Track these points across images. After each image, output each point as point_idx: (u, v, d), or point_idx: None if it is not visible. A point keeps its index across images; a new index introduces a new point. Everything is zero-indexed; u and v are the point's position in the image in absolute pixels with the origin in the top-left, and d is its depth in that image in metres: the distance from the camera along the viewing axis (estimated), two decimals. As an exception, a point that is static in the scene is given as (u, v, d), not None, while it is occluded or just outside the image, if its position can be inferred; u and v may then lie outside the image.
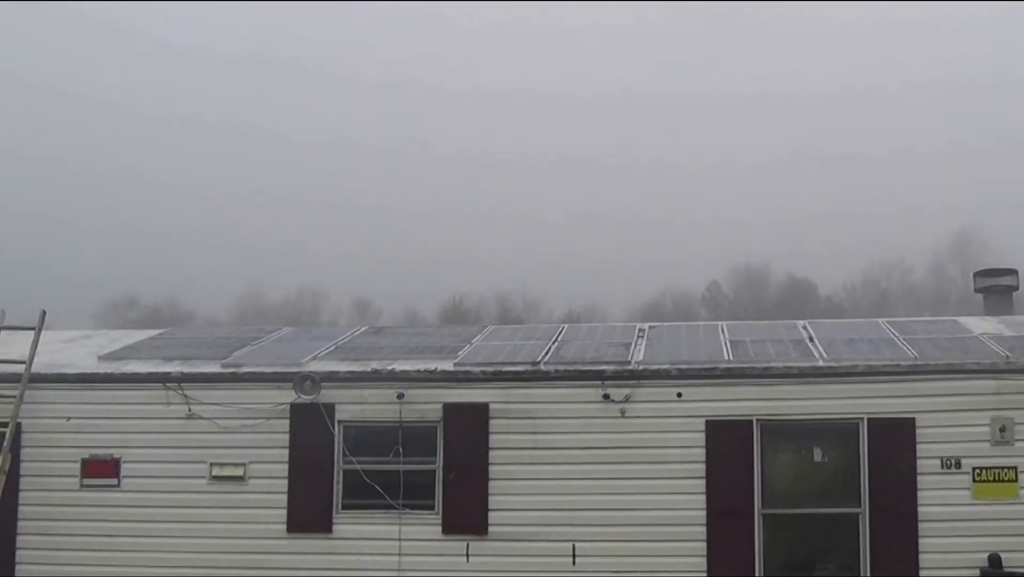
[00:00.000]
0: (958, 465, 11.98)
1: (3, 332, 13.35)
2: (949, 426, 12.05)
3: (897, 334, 13.71)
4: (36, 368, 13.06)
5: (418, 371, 12.93)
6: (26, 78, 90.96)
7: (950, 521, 11.87)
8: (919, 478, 11.99)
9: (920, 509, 11.92)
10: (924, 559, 11.84)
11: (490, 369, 12.88)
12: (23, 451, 12.96)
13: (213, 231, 78.74)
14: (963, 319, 15.17)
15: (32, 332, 13.14)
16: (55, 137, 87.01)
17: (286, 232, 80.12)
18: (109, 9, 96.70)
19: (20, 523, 12.92)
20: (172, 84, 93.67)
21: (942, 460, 12.01)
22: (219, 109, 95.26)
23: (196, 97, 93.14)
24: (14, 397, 12.71)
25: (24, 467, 12.97)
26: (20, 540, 12.91)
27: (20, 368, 12.89)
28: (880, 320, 15.24)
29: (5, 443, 12.44)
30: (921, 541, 11.87)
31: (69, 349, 14.81)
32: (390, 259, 74.00)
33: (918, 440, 12.04)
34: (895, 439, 12.04)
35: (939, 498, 11.95)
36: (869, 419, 12.17)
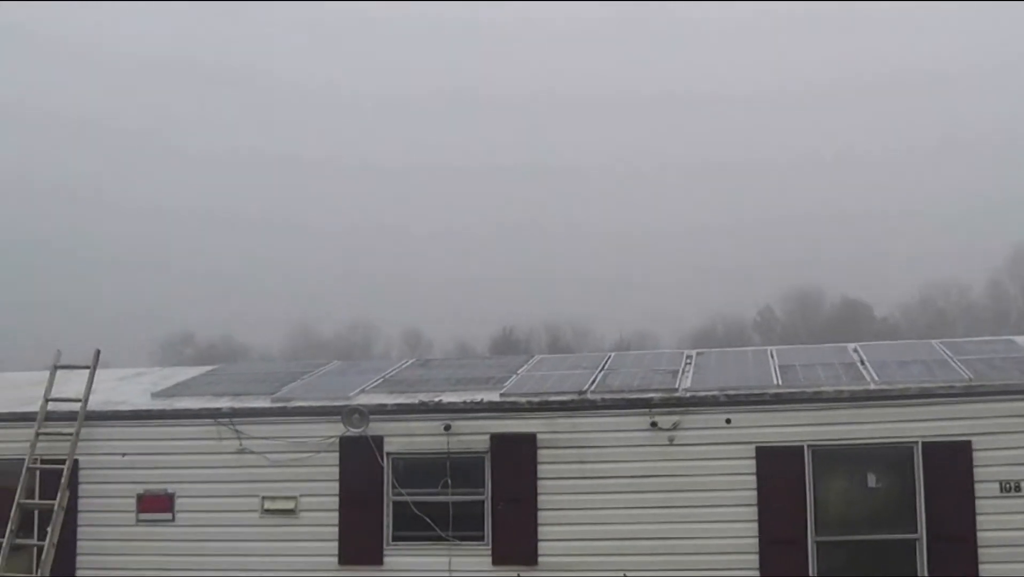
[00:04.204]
0: (1018, 488, 11.72)
1: (60, 371, 13.60)
2: (1007, 448, 11.80)
3: (951, 355, 13.48)
4: (91, 406, 13.29)
5: (464, 402, 12.96)
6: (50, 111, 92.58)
7: (1011, 546, 11.62)
8: (977, 502, 11.75)
9: (979, 534, 11.68)
10: (984, 585, 11.60)
11: (536, 399, 12.86)
12: (80, 487, 13.20)
13: (265, 264, 79.60)
14: (1019, 338, 14.87)
15: (87, 371, 13.38)
16: (117, 176, 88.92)
17: (340, 264, 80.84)
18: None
19: (79, 558, 13.13)
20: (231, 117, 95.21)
21: (1001, 483, 11.76)
22: (271, 140, 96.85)
23: (262, 132, 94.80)
24: (71, 434, 12.94)
25: (81, 503, 13.20)
26: (79, 574, 13.10)
27: (76, 406, 13.14)
28: (933, 341, 14.99)
29: (63, 480, 12.65)
30: (981, 567, 11.61)
31: (123, 386, 15.05)
32: (443, 285, 74.31)
33: (975, 463, 11.80)
34: (951, 463, 11.82)
35: (999, 523, 11.70)
36: (924, 443, 11.97)
